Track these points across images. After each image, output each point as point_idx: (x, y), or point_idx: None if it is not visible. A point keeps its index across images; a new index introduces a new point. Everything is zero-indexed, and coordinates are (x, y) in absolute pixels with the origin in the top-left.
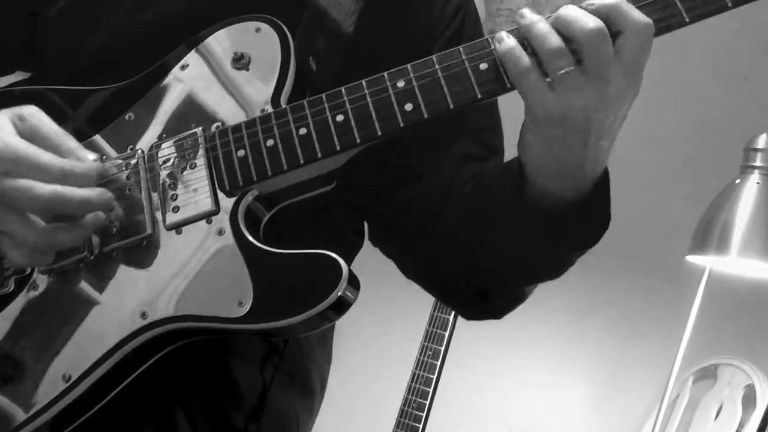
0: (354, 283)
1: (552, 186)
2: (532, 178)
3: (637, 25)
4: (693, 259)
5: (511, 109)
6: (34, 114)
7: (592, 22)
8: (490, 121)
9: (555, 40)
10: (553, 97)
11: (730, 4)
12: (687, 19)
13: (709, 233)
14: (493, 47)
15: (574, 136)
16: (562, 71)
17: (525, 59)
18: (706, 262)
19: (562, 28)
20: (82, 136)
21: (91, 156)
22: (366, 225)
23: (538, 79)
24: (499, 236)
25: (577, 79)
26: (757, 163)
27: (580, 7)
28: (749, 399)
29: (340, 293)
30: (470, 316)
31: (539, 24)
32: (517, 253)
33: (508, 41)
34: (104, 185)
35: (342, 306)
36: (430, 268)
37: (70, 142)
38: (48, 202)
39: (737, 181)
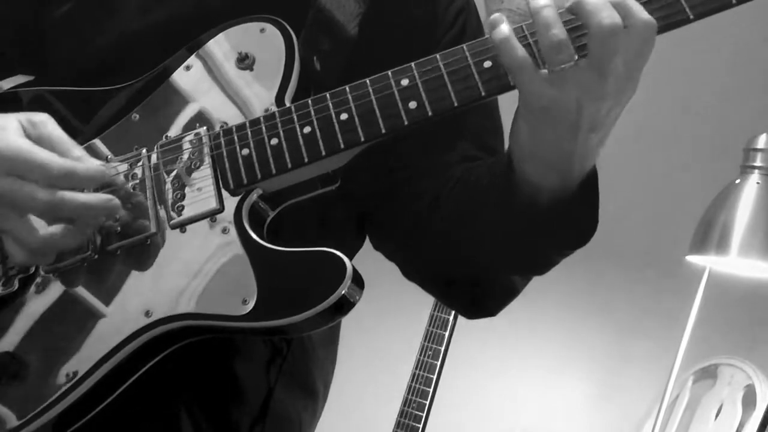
0: (358, 281)
1: (538, 177)
2: (519, 166)
3: (642, 23)
4: (693, 259)
5: (511, 107)
6: (45, 121)
7: (609, 18)
8: (490, 122)
9: (557, 32)
10: (548, 88)
11: (734, 1)
12: (691, 17)
13: (709, 233)
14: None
15: (566, 126)
16: (562, 66)
17: (519, 51)
18: (706, 262)
19: (578, 15)
20: (87, 136)
21: (96, 162)
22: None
23: (533, 70)
24: (486, 227)
25: (576, 73)
26: (757, 163)
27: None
28: (749, 399)
29: (344, 291)
30: (468, 314)
31: (545, 11)
32: (502, 244)
33: (503, 29)
34: (109, 185)
35: (346, 304)
36: (427, 267)
37: (76, 150)
38: (47, 205)
39: (737, 181)
